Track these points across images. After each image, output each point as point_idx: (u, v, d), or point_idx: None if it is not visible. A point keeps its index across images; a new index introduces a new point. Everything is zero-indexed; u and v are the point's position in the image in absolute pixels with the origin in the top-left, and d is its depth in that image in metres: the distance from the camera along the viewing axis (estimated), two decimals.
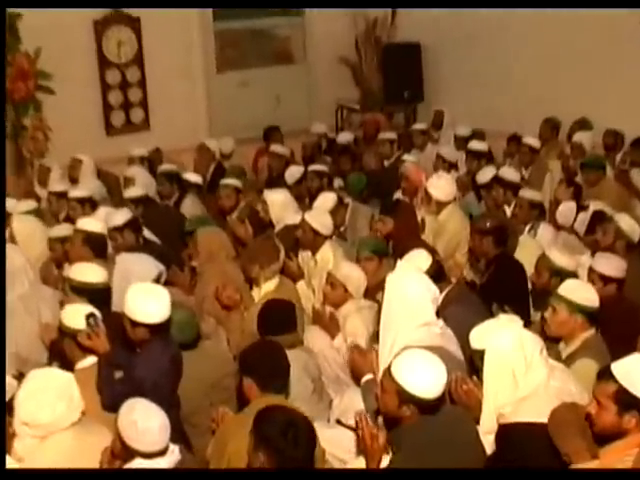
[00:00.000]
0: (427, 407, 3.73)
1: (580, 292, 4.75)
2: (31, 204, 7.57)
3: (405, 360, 3.79)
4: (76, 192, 7.84)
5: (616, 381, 3.43)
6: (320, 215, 6.71)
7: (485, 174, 7.99)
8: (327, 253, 6.53)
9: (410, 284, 4.53)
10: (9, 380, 4.42)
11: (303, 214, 6.69)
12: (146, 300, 4.53)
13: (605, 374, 3.51)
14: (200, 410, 4.80)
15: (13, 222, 6.73)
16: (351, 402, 4.62)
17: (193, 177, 8.60)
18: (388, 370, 3.81)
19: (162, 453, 3.67)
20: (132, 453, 3.66)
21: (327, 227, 6.60)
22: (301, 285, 6.41)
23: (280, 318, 5.10)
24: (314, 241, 6.56)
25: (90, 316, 4.54)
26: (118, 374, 4.53)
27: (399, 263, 4.80)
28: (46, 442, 3.90)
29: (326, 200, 7.26)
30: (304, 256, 6.69)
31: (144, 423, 3.62)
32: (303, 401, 4.69)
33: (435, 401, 3.74)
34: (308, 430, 3.54)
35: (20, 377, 4.21)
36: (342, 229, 7.46)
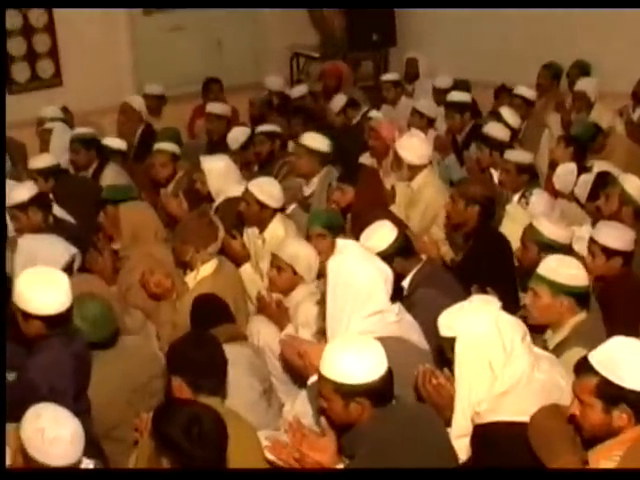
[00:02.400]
0: (376, 394, 3.80)
1: (564, 269, 4.78)
2: None
3: (331, 355, 3.87)
4: None
5: (596, 373, 3.50)
6: (267, 184, 6.76)
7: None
8: (277, 230, 6.60)
9: (354, 267, 4.53)
10: None
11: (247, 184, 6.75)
12: (40, 287, 4.55)
13: (583, 366, 3.58)
14: (123, 422, 4.83)
15: None
16: (305, 407, 4.69)
17: (115, 142, 8.66)
18: (318, 374, 3.91)
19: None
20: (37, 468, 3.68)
21: (275, 198, 6.65)
22: (246, 268, 6.45)
23: (214, 307, 5.17)
24: (260, 215, 6.62)
25: None
26: (11, 376, 4.58)
27: (338, 243, 4.78)
28: None
29: None
30: (250, 234, 6.75)
31: (53, 431, 3.63)
32: (249, 406, 4.77)
33: (383, 384, 3.81)
34: (216, 425, 3.58)
35: None
36: (307, 196, 7.56)
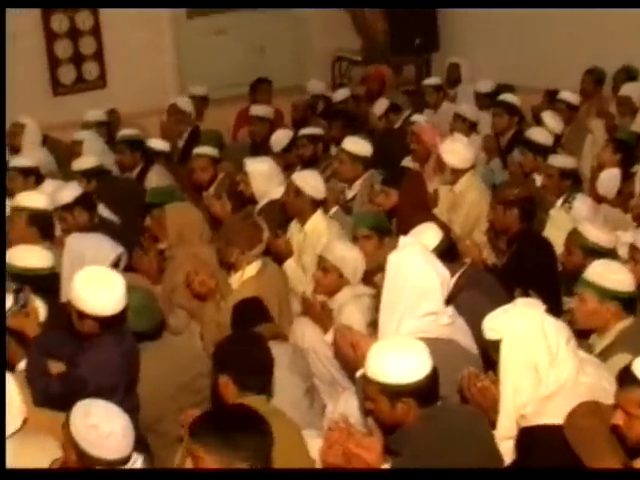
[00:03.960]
0: (422, 394, 3.82)
1: (611, 274, 4.78)
2: None
3: (375, 356, 3.89)
4: (18, 161, 7.92)
5: None
6: (310, 176, 6.86)
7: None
8: (318, 223, 6.69)
9: (414, 265, 4.58)
10: None
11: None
12: (96, 288, 4.59)
13: (627, 377, 3.57)
14: (167, 416, 4.90)
15: None
16: (348, 408, 4.71)
17: (160, 144, 8.70)
18: (364, 375, 3.93)
19: (124, 462, 3.73)
20: (92, 462, 3.69)
21: (318, 190, 6.74)
22: (290, 263, 6.52)
23: (253, 308, 5.23)
24: (302, 207, 6.72)
25: (19, 291, 4.65)
26: (57, 367, 4.63)
27: (402, 240, 4.84)
28: None
29: None
30: (292, 228, 6.85)
31: (106, 427, 3.67)
32: (292, 404, 4.79)
33: (428, 384, 3.83)
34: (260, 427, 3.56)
35: None
36: (349, 199, 7.58)
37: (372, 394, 3.90)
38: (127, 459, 3.73)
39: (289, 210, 6.84)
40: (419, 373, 3.82)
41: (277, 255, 6.44)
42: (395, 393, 3.82)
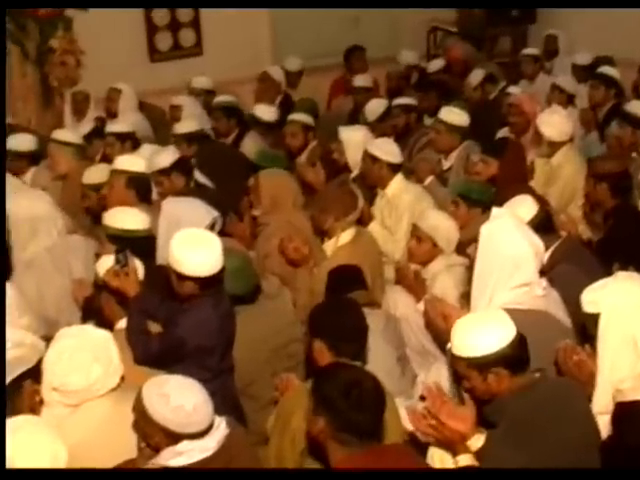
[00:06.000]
0: (510, 361, 3.81)
1: None
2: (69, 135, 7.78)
3: (457, 333, 3.90)
4: (115, 126, 8.03)
5: None
6: (383, 142, 6.96)
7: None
8: (399, 185, 6.78)
9: (507, 235, 4.54)
10: (36, 341, 4.60)
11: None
12: (195, 249, 4.63)
13: None
14: (260, 380, 4.95)
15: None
16: (439, 378, 4.70)
17: (266, 114, 8.65)
18: (450, 351, 3.94)
19: (199, 435, 3.70)
20: (177, 437, 3.69)
21: (392, 154, 6.81)
22: (374, 225, 6.59)
23: (349, 274, 5.23)
24: (381, 173, 6.79)
25: (119, 252, 4.72)
26: (155, 327, 4.71)
27: (494, 211, 4.81)
28: (79, 411, 4.01)
29: None
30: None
31: (177, 399, 3.64)
32: (384, 372, 4.74)
33: (514, 350, 3.82)
34: (375, 391, 3.62)
35: (49, 342, 4.28)
36: (445, 170, 7.57)
37: (462, 371, 3.90)
38: (203, 432, 3.70)
39: (369, 179, 6.90)
40: (503, 341, 3.82)
41: (365, 221, 6.47)
42: (483, 365, 3.82)
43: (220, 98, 8.79)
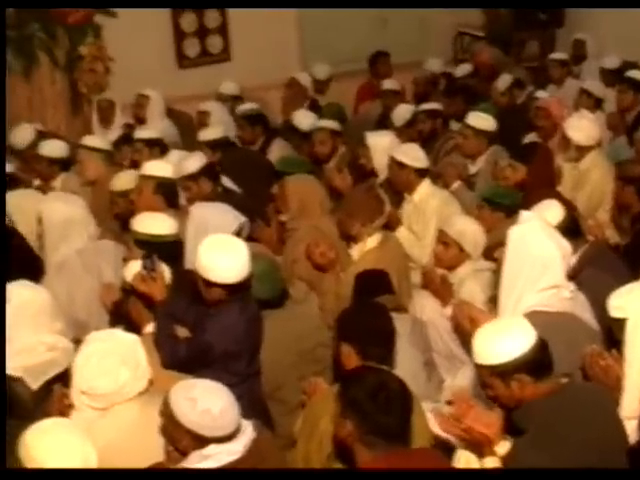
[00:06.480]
0: (532, 367, 3.80)
1: None
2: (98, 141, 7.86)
3: (477, 342, 3.89)
4: (143, 133, 8.08)
5: None
6: (409, 148, 6.97)
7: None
8: (426, 190, 6.77)
9: (535, 238, 4.55)
10: (68, 345, 4.65)
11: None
12: (222, 256, 4.66)
13: None
14: (287, 384, 4.99)
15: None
16: (466, 382, 4.72)
17: (303, 123, 8.55)
18: (475, 366, 3.93)
19: (225, 439, 3.72)
20: (204, 441, 3.71)
21: (418, 159, 6.82)
22: (401, 230, 6.60)
23: (376, 278, 5.26)
24: (408, 178, 6.80)
25: (147, 257, 4.77)
26: (182, 332, 4.74)
27: (523, 214, 4.82)
28: (107, 415, 4.05)
29: None
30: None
31: (204, 403, 3.66)
32: (411, 376, 4.74)
33: (535, 356, 3.80)
34: (403, 394, 3.64)
35: (78, 344, 4.33)
36: (472, 175, 7.57)
37: (486, 379, 3.90)
38: (230, 436, 3.72)
39: (396, 184, 6.91)
40: (523, 347, 3.80)
41: (392, 226, 6.48)
42: (504, 372, 3.81)
43: (243, 106, 8.84)
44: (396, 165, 6.82)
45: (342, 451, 3.85)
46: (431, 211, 6.67)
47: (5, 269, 5.27)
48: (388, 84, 9.81)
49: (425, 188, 6.80)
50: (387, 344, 4.33)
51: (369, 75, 10.90)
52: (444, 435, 4.01)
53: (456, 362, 5.43)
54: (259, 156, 8.16)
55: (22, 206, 6.35)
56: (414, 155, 6.84)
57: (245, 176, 7.27)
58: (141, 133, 8.13)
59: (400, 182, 6.86)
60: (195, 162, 6.80)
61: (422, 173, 6.82)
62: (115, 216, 6.87)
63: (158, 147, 7.85)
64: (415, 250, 6.47)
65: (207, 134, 8.09)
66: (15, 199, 6.44)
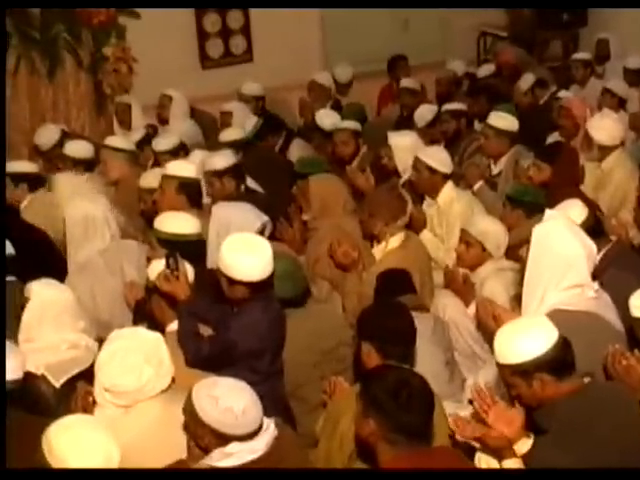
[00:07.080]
0: (553, 365, 3.79)
1: None
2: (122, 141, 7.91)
3: (499, 342, 3.89)
4: (163, 144, 7.94)
5: None
6: (436, 151, 6.95)
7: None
8: (450, 194, 6.74)
9: (560, 236, 4.54)
10: (91, 343, 4.69)
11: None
12: (245, 254, 4.67)
13: None
14: (309, 382, 4.99)
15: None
16: (488, 380, 4.70)
17: (327, 123, 8.54)
18: (497, 365, 3.93)
19: (247, 437, 3.73)
20: (226, 439, 3.73)
21: (445, 164, 6.78)
22: (426, 233, 6.58)
23: (398, 278, 5.25)
24: (432, 181, 6.76)
25: (170, 256, 4.78)
26: (205, 330, 4.76)
27: (547, 212, 4.81)
28: (130, 412, 4.08)
29: None
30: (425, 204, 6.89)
31: (226, 402, 3.68)
32: (432, 375, 4.74)
33: (556, 354, 3.79)
34: (424, 392, 3.65)
35: (101, 343, 4.37)
36: (495, 175, 7.56)
37: (508, 379, 3.89)
38: (252, 434, 3.72)
39: (420, 187, 6.85)
40: (544, 346, 3.79)
41: (416, 227, 6.46)
42: (526, 371, 3.81)
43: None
44: (426, 169, 6.74)
45: (364, 450, 3.86)
46: (455, 215, 6.63)
47: (4, 269, 5.33)
48: (405, 82, 9.82)
49: (449, 191, 6.76)
50: (408, 343, 4.34)
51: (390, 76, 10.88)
52: (462, 439, 4.01)
53: (478, 361, 5.43)
54: (278, 156, 8.18)
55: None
56: (443, 160, 6.79)
57: (266, 176, 7.29)
58: (161, 144, 7.95)
59: (425, 185, 6.82)
60: (223, 160, 6.87)
61: (446, 176, 6.79)
62: (141, 213, 6.91)
63: (182, 152, 7.81)
64: (439, 253, 6.44)
65: (227, 135, 8.14)
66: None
